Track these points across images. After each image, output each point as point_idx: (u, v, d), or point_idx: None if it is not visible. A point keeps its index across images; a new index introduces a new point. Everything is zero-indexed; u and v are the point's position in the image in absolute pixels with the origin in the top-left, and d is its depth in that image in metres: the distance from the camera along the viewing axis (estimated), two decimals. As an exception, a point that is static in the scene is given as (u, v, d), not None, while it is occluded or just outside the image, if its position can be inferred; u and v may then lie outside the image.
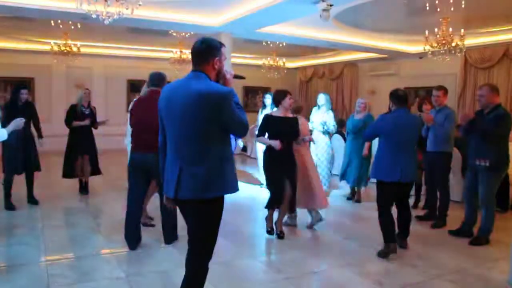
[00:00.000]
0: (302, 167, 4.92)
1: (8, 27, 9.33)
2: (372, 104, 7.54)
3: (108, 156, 8.76)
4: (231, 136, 2.54)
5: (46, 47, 10.27)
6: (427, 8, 6.53)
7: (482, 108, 4.67)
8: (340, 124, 8.65)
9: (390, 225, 4.21)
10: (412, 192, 5.96)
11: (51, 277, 3.48)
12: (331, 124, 6.74)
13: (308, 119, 6.63)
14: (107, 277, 3.56)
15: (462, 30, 7.27)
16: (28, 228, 4.89)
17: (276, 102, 4.77)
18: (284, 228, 4.87)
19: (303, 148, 5.04)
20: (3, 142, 3.67)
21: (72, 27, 8.65)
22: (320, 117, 6.80)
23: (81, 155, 6.48)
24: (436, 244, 4.66)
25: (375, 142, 4.71)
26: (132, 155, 4.27)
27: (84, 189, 6.68)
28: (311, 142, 5.29)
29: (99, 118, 6.78)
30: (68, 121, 6.37)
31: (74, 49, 9.89)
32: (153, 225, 4.92)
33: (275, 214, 4.81)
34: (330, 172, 7.15)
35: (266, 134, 4.69)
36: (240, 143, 6.57)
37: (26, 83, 10.59)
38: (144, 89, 4.76)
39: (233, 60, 9.46)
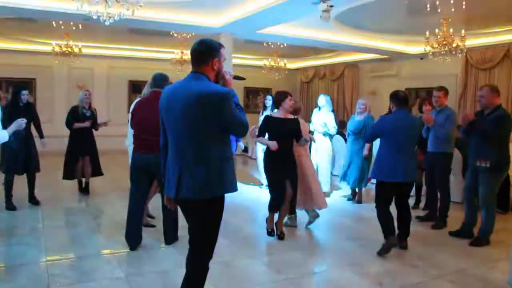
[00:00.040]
0: (300, 167, 4.93)
1: (9, 28, 9.37)
2: (373, 105, 7.54)
3: (109, 157, 8.77)
4: (232, 137, 2.55)
5: (48, 48, 10.29)
6: (428, 8, 6.53)
7: (482, 109, 4.67)
8: (341, 125, 8.65)
9: (389, 220, 4.25)
10: (413, 192, 5.97)
11: (51, 277, 3.49)
12: (332, 125, 6.73)
13: (308, 120, 6.64)
14: (107, 277, 3.57)
15: (463, 31, 7.27)
16: (28, 228, 4.90)
17: (277, 103, 4.78)
18: (284, 229, 4.88)
19: (301, 149, 5.04)
20: (4, 143, 3.68)
21: (74, 28, 8.67)
22: (321, 118, 6.79)
23: (81, 157, 6.50)
24: (436, 244, 4.65)
25: (376, 143, 4.71)
26: (134, 156, 4.28)
27: (85, 189, 6.70)
28: (312, 142, 5.30)
29: (100, 119, 6.80)
30: (69, 123, 6.39)
31: (76, 50, 9.93)
32: (153, 226, 4.92)
33: (276, 216, 4.81)
34: (331, 173, 7.15)
35: (267, 135, 4.71)
36: (242, 144, 6.58)
37: (27, 84, 10.68)
38: (146, 90, 4.77)
39: (234, 61, 9.48)
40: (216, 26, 8.16)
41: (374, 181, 4.66)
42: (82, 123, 6.36)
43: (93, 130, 6.59)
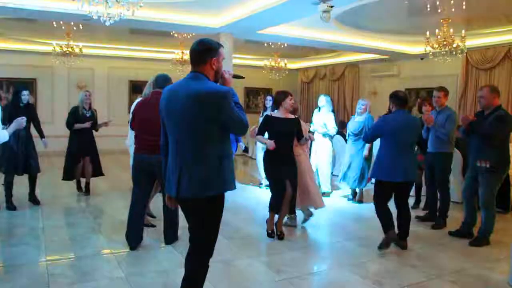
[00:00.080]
0: (299, 167, 4.92)
1: (10, 28, 9.37)
2: (373, 105, 7.54)
3: (109, 157, 8.78)
4: (233, 137, 2.56)
5: (48, 48, 10.30)
6: (428, 9, 6.53)
7: (482, 109, 4.67)
8: (341, 125, 8.65)
9: (387, 215, 4.28)
10: (412, 192, 5.97)
11: (52, 277, 3.49)
12: (331, 126, 6.72)
13: (308, 120, 6.63)
14: (107, 276, 3.57)
15: (463, 31, 7.27)
16: (28, 228, 4.90)
17: (277, 103, 4.77)
18: (284, 229, 4.88)
19: (299, 148, 5.04)
20: (4, 143, 3.68)
21: (74, 28, 8.68)
22: (321, 119, 6.79)
23: (82, 157, 6.50)
24: (436, 244, 4.65)
25: (376, 143, 4.72)
26: (135, 157, 4.29)
27: (85, 190, 6.69)
28: (312, 142, 5.31)
29: (100, 120, 6.80)
30: (69, 125, 6.39)
31: (76, 50, 9.92)
32: (154, 226, 4.92)
33: (276, 216, 4.81)
34: (331, 173, 7.15)
35: (266, 134, 4.71)
36: (242, 144, 6.59)
37: (27, 84, 10.70)
38: (146, 90, 4.77)
39: (234, 61, 9.48)
40: (216, 26, 8.17)
41: (374, 180, 4.66)
42: (82, 123, 6.36)
43: (94, 130, 6.59)
